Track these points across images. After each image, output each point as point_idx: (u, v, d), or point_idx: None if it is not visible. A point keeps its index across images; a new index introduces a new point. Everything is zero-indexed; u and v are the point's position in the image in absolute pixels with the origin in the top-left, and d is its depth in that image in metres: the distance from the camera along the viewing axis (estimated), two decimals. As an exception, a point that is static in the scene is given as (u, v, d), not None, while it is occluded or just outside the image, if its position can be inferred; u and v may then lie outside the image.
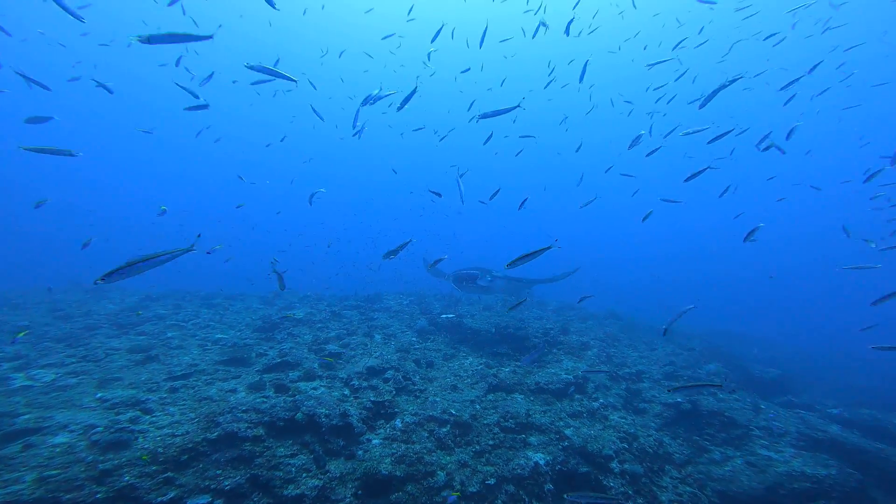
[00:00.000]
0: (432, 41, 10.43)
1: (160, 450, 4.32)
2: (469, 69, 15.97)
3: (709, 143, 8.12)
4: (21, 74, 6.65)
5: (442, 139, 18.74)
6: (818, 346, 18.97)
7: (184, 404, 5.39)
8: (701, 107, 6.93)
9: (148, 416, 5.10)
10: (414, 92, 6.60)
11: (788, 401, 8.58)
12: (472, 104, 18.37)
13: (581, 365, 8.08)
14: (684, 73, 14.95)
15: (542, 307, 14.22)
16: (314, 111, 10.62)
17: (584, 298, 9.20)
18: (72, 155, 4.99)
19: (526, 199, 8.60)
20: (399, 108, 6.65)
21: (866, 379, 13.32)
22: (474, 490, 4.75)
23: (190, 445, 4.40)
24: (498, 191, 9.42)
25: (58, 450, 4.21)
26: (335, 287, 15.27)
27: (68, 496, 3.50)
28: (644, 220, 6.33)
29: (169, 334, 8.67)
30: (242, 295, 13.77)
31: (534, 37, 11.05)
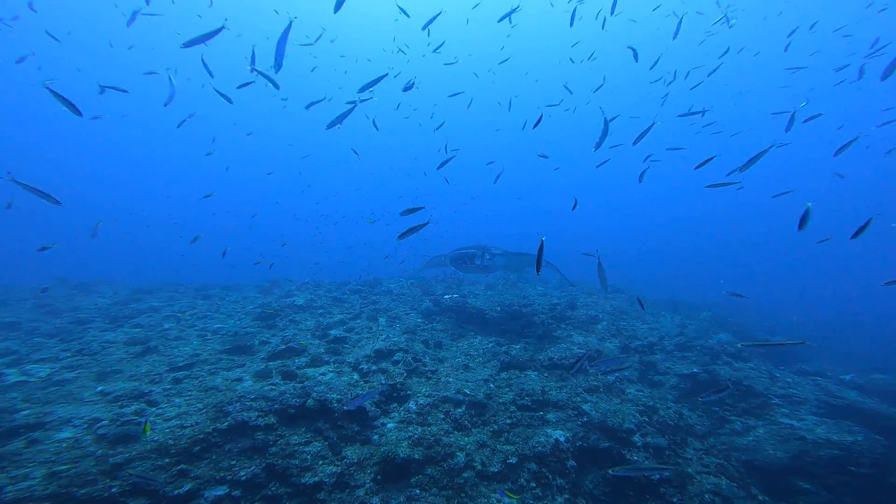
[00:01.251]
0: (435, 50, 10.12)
1: (171, 441, 4.24)
2: (456, 61, 15.56)
3: (679, 115, 8.19)
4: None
5: (438, 127, 18.43)
6: (814, 313, 19.27)
7: (189, 395, 5.30)
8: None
9: (153, 408, 5.01)
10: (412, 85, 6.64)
11: (800, 368, 8.69)
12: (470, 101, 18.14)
13: (592, 339, 8.10)
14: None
15: (545, 283, 14.22)
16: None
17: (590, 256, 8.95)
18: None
19: (576, 202, 7.88)
20: (404, 89, 6.61)
21: (869, 344, 13.59)
22: (496, 470, 4.76)
23: (201, 436, 4.33)
24: (550, 158, 9.20)
25: (64, 445, 4.12)
26: (325, 273, 15.16)
27: (82, 491, 3.42)
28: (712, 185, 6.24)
29: (166, 325, 8.54)
30: (238, 285, 13.63)
31: (571, 24, 10.74)
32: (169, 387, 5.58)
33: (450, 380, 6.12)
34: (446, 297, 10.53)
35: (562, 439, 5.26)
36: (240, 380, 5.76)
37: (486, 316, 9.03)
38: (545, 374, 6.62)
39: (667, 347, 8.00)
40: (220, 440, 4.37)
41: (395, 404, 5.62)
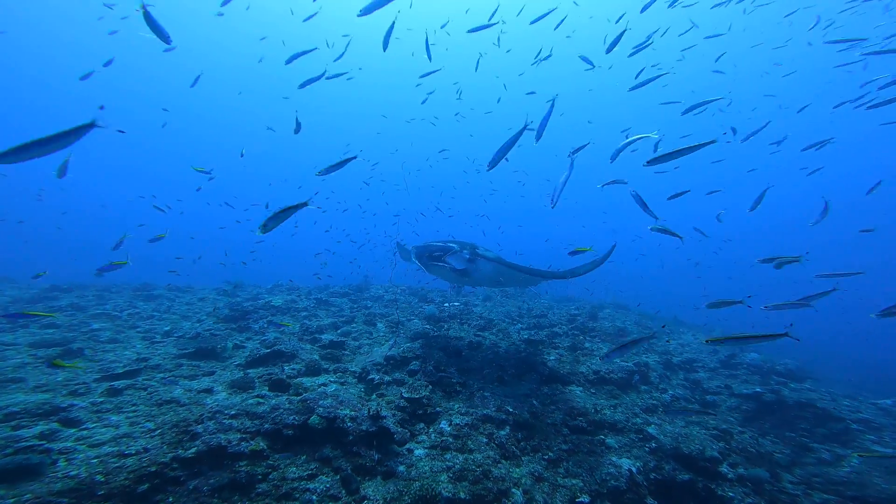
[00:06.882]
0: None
1: (100, 477, 2.77)
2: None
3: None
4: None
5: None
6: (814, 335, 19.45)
7: (134, 410, 3.77)
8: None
9: (74, 430, 3.46)
10: None
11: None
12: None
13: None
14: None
15: (546, 297, 13.38)
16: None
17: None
18: None
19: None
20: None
21: (860, 370, 13.62)
22: (563, 513, 3.61)
23: (152, 468, 2.88)
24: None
25: None
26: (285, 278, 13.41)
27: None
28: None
29: (95, 325, 6.75)
30: (191, 287, 11.70)
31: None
32: (101, 399, 4.00)
33: (486, 394, 4.92)
34: (446, 304, 9.41)
35: (634, 470, 4.21)
36: (209, 391, 4.26)
37: (496, 326, 7.95)
38: (592, 390, 5.58)
39: (708, 364, 7.24)
40: (182, 474, 2.94)
41: (422, 424, 4.34)
